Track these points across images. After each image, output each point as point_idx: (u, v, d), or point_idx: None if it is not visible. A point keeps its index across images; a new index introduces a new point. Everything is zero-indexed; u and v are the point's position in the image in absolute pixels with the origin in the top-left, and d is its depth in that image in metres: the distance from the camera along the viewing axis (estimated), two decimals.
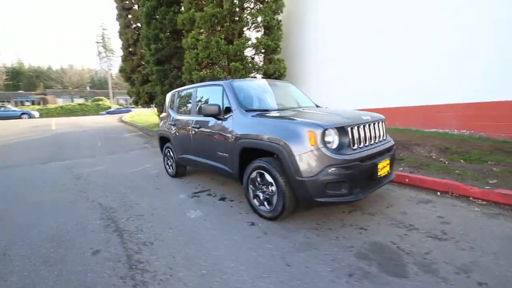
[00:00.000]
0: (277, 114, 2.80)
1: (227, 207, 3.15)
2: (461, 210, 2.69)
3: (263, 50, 9.21)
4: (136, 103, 14.93)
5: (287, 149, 2.33)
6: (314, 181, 2.25)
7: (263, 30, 9.30)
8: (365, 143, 2.55)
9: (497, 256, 1.91)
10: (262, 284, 1.76)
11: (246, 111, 2.96)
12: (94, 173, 5.17)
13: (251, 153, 2.84)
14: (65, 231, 2.73)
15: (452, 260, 1.89)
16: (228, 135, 3.03)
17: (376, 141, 2.71)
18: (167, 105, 4.80)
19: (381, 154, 2.63)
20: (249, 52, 9.60)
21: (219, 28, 9.10)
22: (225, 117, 3.13)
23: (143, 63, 12.96)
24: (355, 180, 2.31)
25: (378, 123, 2.79)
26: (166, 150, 4.69)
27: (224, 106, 3.21)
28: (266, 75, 9.54)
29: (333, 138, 2.32)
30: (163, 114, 4.96)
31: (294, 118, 2.53)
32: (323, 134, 2.27)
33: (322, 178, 2.24)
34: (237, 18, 9.43)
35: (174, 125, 4.28)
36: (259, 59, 9.56)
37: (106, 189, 4.12)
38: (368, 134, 2.59)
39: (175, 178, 4.56)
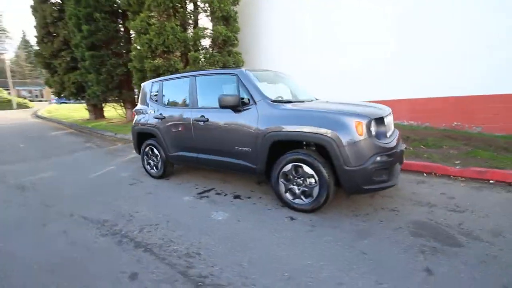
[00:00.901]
0: (313, 105, 2.76)
1: (250, 205, 2.97)
2: (453, 186, 3.22)
3: (222, 42, 8.86)
4: (58, 94, 12.43)
5: (337, 140, 2.34)
6: (363, 170, 2.33)
7: (221, 21, 8.91)
8: (391, 132, 2.77)
9: (510, 218, 2.38)
10: (357, 275, 1.75)
11: (272, 102, 2.82)
12: (42, 181, 4.11)
13: (279, 146, 2.74)
14: (63, 257, 2.10)
15: (483, 227, 2.26)
16: (251, 128, 2.83)
17: (393, 130, 2.98)
18: (145, 97, 4.16)
19: (399, 142, 2.90)
20: (203, 42, 9.12)
21: (173, 13, 8.32)
22: (244, 108, 2.92)
23: (70, 46, 10.84)
24: (393, 167, 2.49)
25: (391, 114, 3.06)
26: (148, 149, 4.09)
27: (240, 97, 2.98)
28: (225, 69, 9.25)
29: (374, 128, 2.44)
30: (139, 107, 4.28)
31: (338, 109, 2.54)
32: (369, 124, 2.37)
33: (370, 166, 2.34)
34: (192, 4, 8.84)
35: (162, 119, 3.75)
36: (215, 51, 9.13)
37: (77, 200, 3.34)
38: (391, 124, 2.83)
39: (161, 179, 4.02)
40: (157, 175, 4.04)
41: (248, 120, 2.87)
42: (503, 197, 2.84)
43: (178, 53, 8.81)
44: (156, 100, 3.96)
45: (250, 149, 2.90)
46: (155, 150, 3.98)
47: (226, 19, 9.03)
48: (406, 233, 2.23)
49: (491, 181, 3.28)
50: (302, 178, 2.63)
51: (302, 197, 2.65)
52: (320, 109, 2.60)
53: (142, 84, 4.36)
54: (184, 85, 3.64)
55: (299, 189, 2.67)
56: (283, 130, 2.61)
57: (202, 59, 8.38)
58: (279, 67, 8.81)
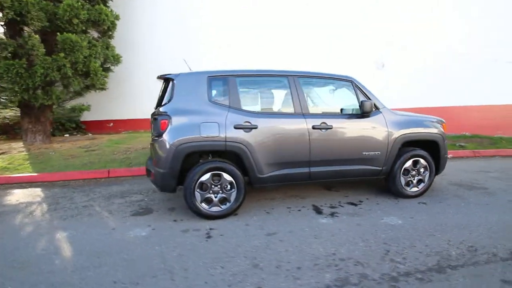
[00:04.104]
0: (410, 113, 3.46)
1: (375, 205, 3.11)
2: None
3: (106, 28, 6.56)
4: None
5: (443, 137, 3.31)
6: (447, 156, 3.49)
7: (100, 2, 6.52)
8: None
9: (471, 174, 4.48)
10: (506, 215, 2.82)
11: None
12: None
13: None
14: None
15: (477, 180, 4.09)
16: (384, 132, 3.07)
17: None
18: (197, 97, 2.68)
19: None
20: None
21: None
22: (371, 114, 3.06)
23: None
24: None
25: None
26: (208, 176, 2.67)
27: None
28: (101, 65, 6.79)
29: None
30: (181, 112, 2.64)
31: (429, 116, 3.48)
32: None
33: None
34: None
35: (253, 129, 2.70)
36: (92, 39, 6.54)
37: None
38: None
39: (222, 218, 2.78)
40: (226, 212, 2.77)
41: (378, 125, 3.07)
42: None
43: (48, 29, 5.30)
44: (228, 104, 2.70)
45: (379, 152, 3.09)
46: (225, 176, 2.71)
47: (104, 0, 6.71)
48: (465, 189, 3.63)
49: None
50: (415, 170, 3.30)
51: (414, 186, 3.31)
52: (422, 115, 3.45)
53: (179, 76, 2.69)
54: (276, 86, 2.92)
55: (414, 179, 3.31)
56: (415, 132, 3.17)
57: (83, 46, 5.72)
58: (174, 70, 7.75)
